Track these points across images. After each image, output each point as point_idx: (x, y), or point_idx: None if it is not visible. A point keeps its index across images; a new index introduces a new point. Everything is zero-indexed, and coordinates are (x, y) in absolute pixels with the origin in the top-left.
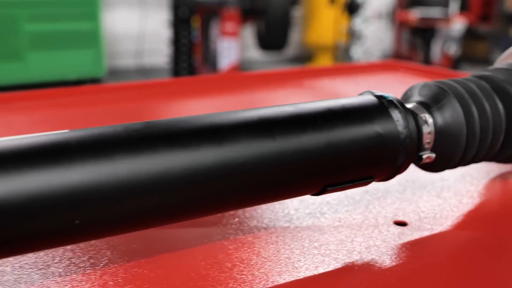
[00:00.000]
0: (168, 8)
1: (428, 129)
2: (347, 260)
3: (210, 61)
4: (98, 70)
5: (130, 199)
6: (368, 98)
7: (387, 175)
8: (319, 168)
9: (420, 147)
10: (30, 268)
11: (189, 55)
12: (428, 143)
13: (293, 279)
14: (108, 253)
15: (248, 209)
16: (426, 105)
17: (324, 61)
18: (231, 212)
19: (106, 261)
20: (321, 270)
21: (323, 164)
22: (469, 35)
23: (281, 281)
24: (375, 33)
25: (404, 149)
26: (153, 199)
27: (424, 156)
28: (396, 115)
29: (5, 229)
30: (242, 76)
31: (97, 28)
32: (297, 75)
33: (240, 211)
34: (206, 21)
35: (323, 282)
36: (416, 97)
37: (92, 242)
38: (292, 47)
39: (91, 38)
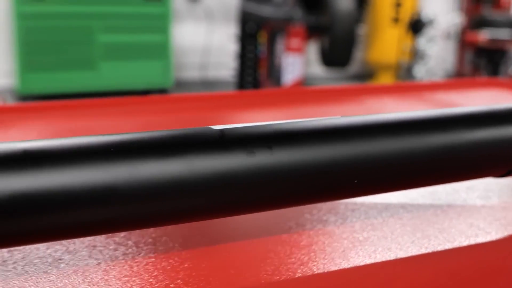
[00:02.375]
0: (235, 23)
1: None
2: None
3: (274, 75)
4: (166, 81)
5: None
6: None
7: None
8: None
9: None
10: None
11: (254, 69)
12: None
13: (478, 242)
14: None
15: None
16: None
17: (385, 79)
18: (411, 194)
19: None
20: (495, 236)
21: None
22: None
23: (465, 243)
24: (439, 53)
25: None
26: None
27: None
28: None
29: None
30: (357, 89)
31: (167, 41)
32: (414, 89)
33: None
34: (272, 36)
35: (505, 245)
36: None
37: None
38: (354, 65)
39: (161, 50)
